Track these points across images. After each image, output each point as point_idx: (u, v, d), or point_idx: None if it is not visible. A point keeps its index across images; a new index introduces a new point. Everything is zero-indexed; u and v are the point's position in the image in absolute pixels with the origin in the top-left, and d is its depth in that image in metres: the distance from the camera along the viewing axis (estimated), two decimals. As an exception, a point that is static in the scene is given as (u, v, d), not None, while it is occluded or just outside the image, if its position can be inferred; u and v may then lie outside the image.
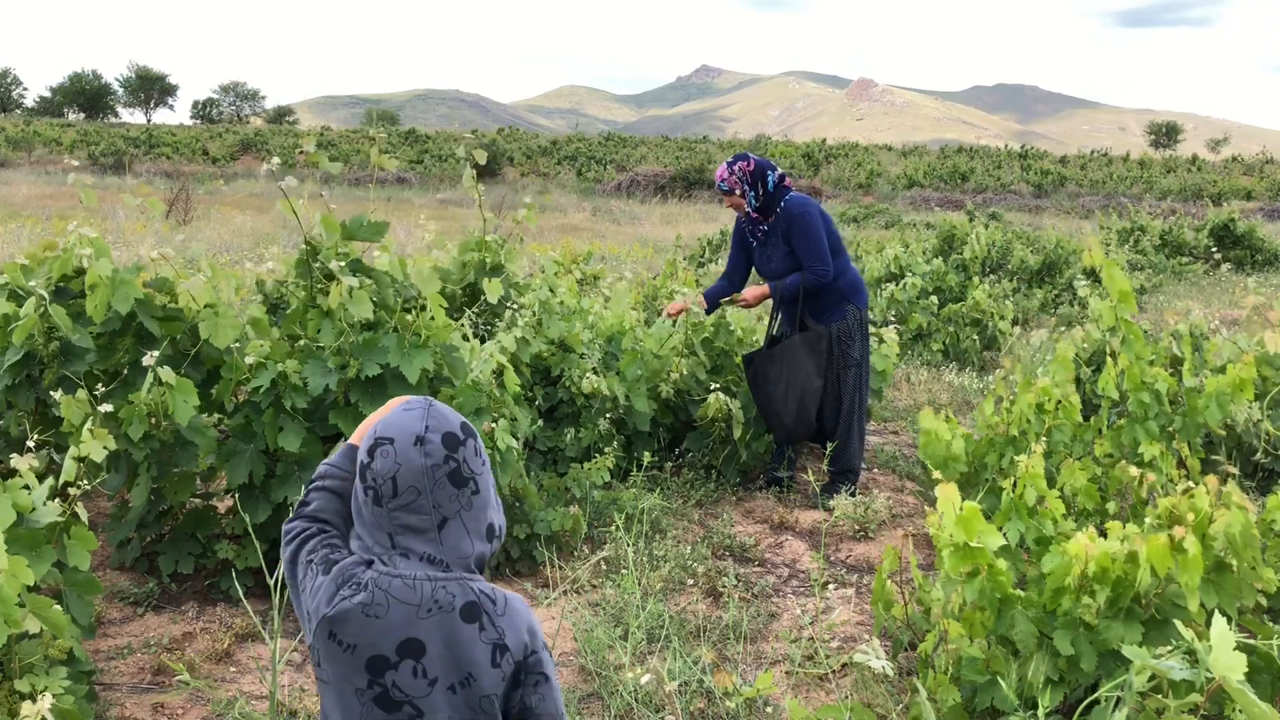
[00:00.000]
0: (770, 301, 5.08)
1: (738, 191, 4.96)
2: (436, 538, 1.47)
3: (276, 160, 3.36)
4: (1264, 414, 4.95)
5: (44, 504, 2.53)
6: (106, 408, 2.87)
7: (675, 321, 5.33)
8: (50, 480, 2.66)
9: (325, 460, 1.69)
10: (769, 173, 4.92)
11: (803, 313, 4.93)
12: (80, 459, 2.70)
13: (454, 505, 1.47)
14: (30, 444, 2.47)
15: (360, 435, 1.63)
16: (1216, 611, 2.27)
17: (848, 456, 5.02)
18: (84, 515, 2.60)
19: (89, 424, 2.77)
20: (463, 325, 4.03)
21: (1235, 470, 3.21)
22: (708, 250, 15.34)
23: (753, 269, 5.24)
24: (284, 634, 3.36)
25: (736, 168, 4.96)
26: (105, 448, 2.73)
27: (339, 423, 3.50)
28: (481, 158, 4.68)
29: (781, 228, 4.89)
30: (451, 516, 1.48)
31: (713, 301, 5.19)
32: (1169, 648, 2.21)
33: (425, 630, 1.44)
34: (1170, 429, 3.99)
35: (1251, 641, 2.26)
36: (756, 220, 5.00)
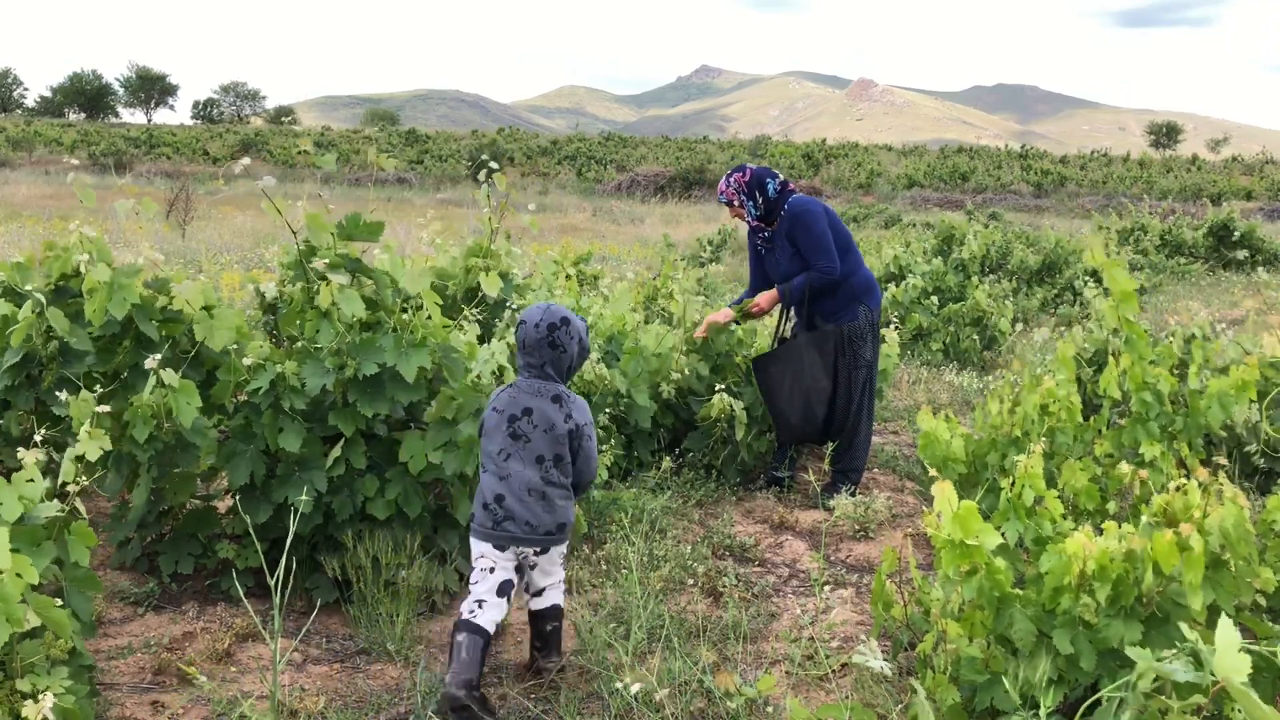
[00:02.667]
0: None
1: (736, 203, 4.95)
2: (541, 368, 3.07)
3: (246, 160, 3.40)
4: (1263, 415, 4.96)
5: (42, 500, 2.53)
6: (104, 409, 2.88)
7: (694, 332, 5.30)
8: (49, 481, 2.66)
9: None
10: (769, 180, 4.90)
11: (811, 313, 4.91)
12: (78, 459, 2.70)
13: (551, 356, 3.08)
14: (37, 439, 2.47)
15: None
16: (1222, 613, 2.27)
17: (852, 456, 5.01)
18: (83, 511, 2.60)
19: (87, 424, 2.77)
20: (464, 324, 4.02)
21: (1225, 462, 3.20)
22: (709, 249, 15.33)
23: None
24: (284, 634, 3.36)
25: (733, 179, 4.94)
26: (101, 448, 2.73)
27: (339, 423, 3.49)
28: (501, 182, 4.72)
29: (785, 230, 4.88)
30: (549, 361, 3.08)
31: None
32: (1171, 649, 2.20)
33: (533, 405, 3.03)
34: (1171, 429, 4.00)
35: (1253, 646, 2.25)
36: (761, 228, 4.99)
